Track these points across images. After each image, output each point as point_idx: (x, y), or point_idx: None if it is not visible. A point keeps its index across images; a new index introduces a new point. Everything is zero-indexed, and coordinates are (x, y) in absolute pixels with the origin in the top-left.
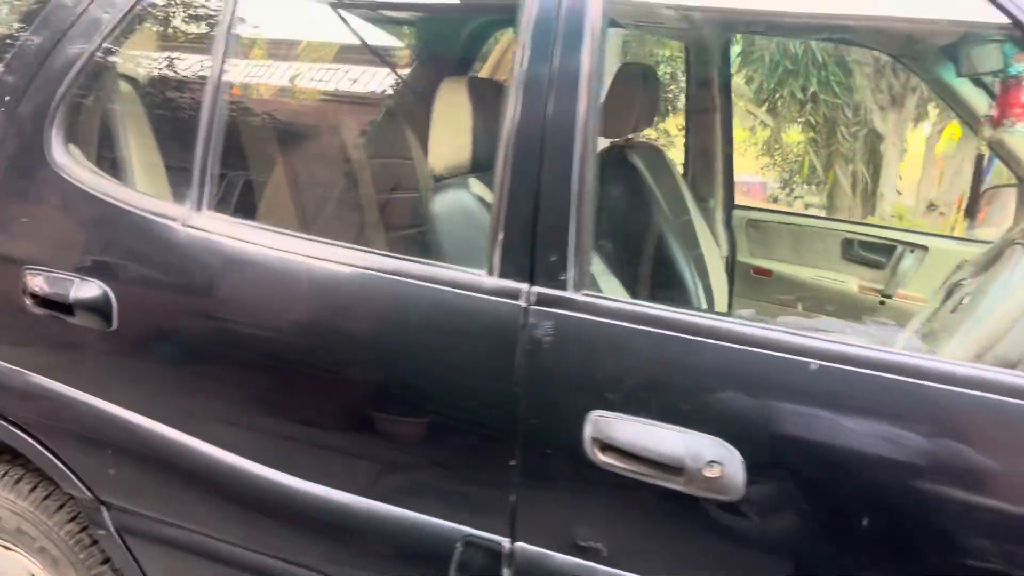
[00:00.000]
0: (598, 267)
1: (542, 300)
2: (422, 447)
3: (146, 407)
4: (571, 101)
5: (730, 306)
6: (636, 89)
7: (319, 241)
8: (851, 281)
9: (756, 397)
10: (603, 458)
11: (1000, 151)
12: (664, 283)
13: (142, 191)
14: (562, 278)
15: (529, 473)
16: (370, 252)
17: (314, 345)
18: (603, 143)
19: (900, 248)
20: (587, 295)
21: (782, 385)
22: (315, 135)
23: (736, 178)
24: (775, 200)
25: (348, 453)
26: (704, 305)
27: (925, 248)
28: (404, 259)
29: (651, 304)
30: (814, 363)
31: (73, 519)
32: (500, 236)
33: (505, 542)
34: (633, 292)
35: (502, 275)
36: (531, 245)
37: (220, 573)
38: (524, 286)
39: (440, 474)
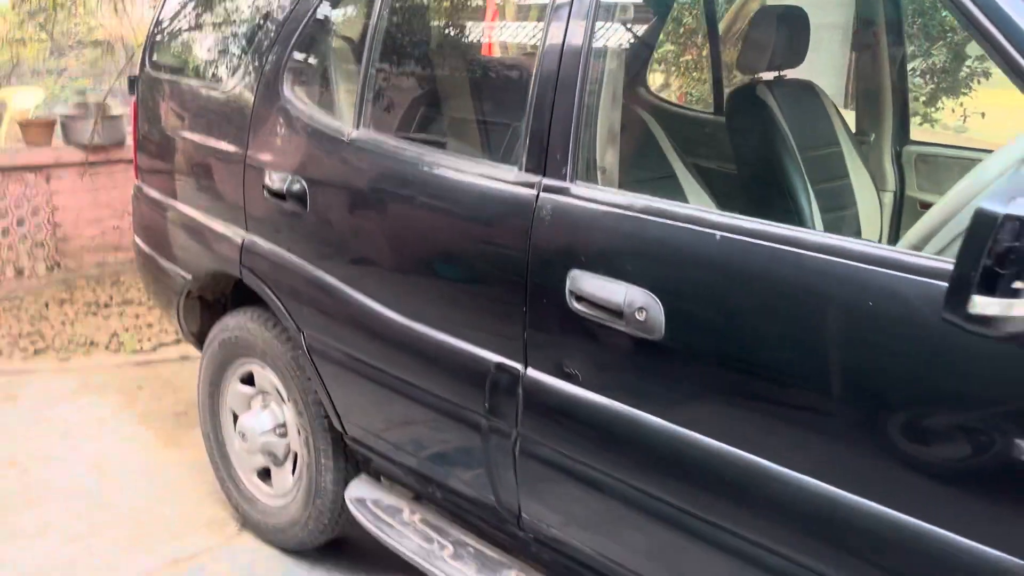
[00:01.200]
0: (692, 187)
1: (548, 188)
2: (472, 297)
3: (330, 269)
4: (578, 36)
5: (896, 237)
6: (771, 30)
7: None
8: None
9: (676, 260)
10: (577, 306)
11: None
12: (773, 204)
13: (333, 118)
14: (563, 171)
15: (534, 316)
16: (454, 155)
17: (422, 228)
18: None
19: None
20: (579, 184)
21: (695, 252)
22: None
23: None
24: None
25: (432, 300)
26: (820, 228)
27: None
28: (460, 157)
29: (615, 191)
30: (718, 234)
31: (287, 343)
32: (527, 141)
33: (520, 368)
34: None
35: (526, 170)
36: (545, 147)
37: (363, 380)
38: (538, 178)
39: (483, 316)
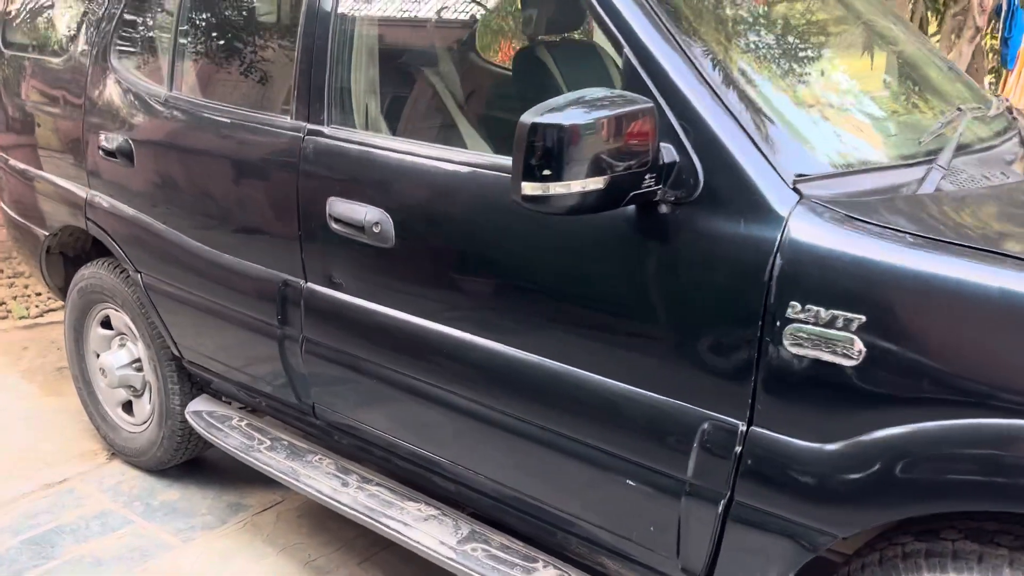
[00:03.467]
0: (470, 132)
1: (311, 132)
2: (261, 227)
3: (155, 215)
4: (328, 2)
5: None
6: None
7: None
8: None
9: (400, 184)
10: (335, 226)
11: None
12: None
13: (153, 81)
14: (321, 117)
15: (305, 238)
16: (245, 109)
17: (221, 173)
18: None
19: None
20: (334, 127)
21: (413, 177)
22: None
23: None
24: None
25: (232, 233)
26: None
27: None
28: (249, 110)
29: (358, 131)
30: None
31: (130, 285)
32: (295, 92)
33: (301, 282)
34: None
35: (296, 118)
36: (308, 97)
37: (188, 308)
38: (304, 124)
39: (270, 242)
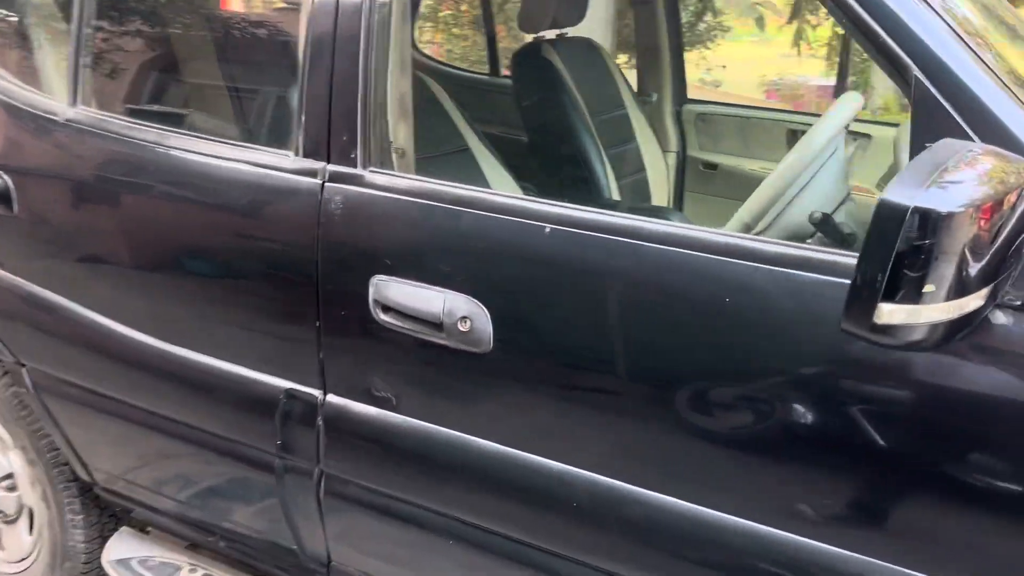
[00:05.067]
0: (484, 155)
1: (335, 177)
2: (245, 314)
3: (52, 284)
4: None
5: (679, 200)
6: None
7: (163, 129)
8: None
9: (500, 259)
10: (384, 317)
11: None
12: (569, 175)
13: (41, 93)
14: (352, 156)
15: (330, 333)
16: (210, 137)
17: (175, 229)
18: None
19: (845, 137)
20: (374, 171)
21: (521, 247)
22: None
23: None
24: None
25: (194, 318)
26: (618, 196)
27: (868, 136)
28: (218, 141)
29: (421, 178)
30: (547, 227)
31: (7, 378)
32: (303, 119)
33: (318, 394)
34: (527, 182)
35: (305, 154)
36: (327, 125)
37: (111, 419)
38: (321, 164)
39: (264, 337)
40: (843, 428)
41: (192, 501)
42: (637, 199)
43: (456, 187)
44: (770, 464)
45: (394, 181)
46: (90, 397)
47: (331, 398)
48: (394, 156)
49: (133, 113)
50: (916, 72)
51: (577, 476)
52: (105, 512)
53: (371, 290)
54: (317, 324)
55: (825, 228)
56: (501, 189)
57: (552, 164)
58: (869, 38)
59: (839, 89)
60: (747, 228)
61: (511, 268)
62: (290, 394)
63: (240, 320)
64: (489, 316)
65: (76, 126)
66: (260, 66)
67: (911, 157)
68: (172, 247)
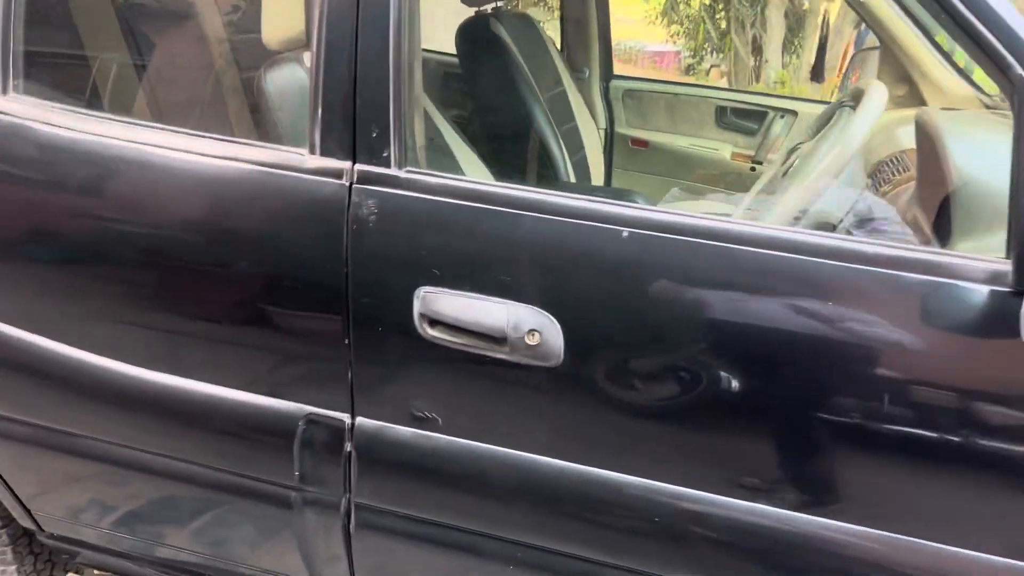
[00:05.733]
0: (456, 142)
1: (365, 178)
2: (259, 332)
3: None
4: None
5: (608, 178)
6: None
7: (135, 124)
8: (725, 148)
9: (572, 266)
10: (432, 332)
11: (862, 12)
12: (529, 157)
13: None
14: (385, 155)
15: (363, 351)
16: (190, 135)
17: (131, 232)
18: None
19: (771, 114)
20: (411, 172)
21: (596, 254)
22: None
23: (645, 47)
24: (689, 70)
25: (187, 343)
26: (573, 179)
27: (795, 113)
28: (222, 139)
29: (473, 180)
30: (624, 231)
31: None
32: (319, 112)
33: (346, 418)
34: (495, 167)
35: (324, 153)
36: (352, 121)
37: (72, 460)
38: (346, 164)
39: (276, 359)
40: None
41: (178, 541)
42: (581, 179)
43: (512, 188)
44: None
45: (439, 183)
46: (46, 436)
47: (362, 422)
48: (457, 155)
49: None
50: (1020, 71)
51: (661, 491)
52: (41, 560)
53: (416, 303)
54: (346, 342)
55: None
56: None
57: (511, 147)
58: (972, 38)
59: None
60: (794, 222)
61: (584, 276)
62: (311, 420)
63: (244, 341)
64: (560, 328)
65: (9, 118)
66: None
67: (1017, 157)
68: (155, 261)
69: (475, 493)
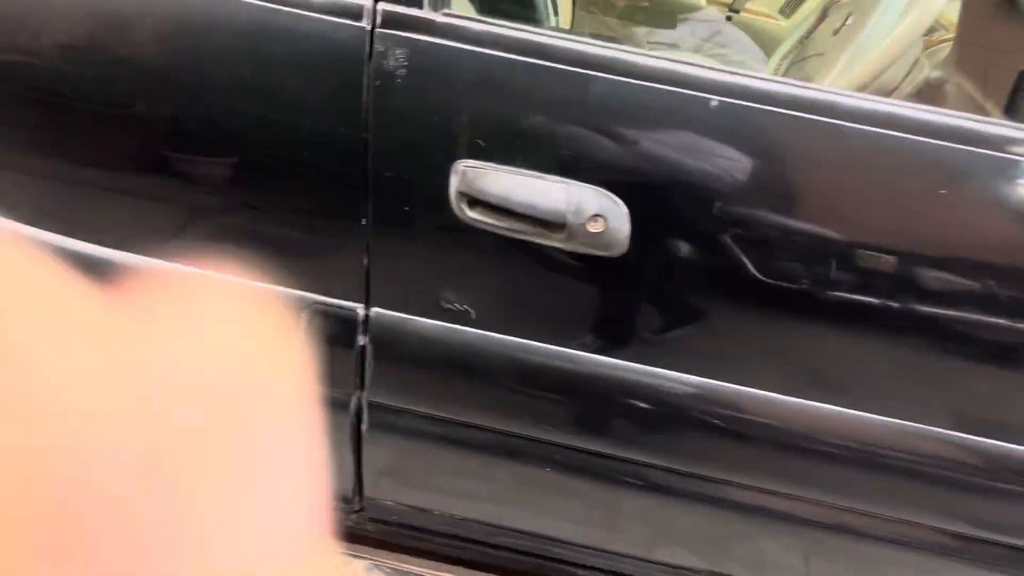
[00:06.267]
0: None
1: (391, 21)
2: (240, 201)
3: None
4: None
5: (572, 20)
6: None
7: None
8: None
9: (649, 141)
10: (472, 215)
11: None
12: None
13: None
14: None
15: (384, 233)
16: None
17: (85, 72)
18: None
19: None
20: (449, 15)
21: (679, 125)
22: None
23: None
24: None
25: (148, 212)
26: (552, 20)
27: None
28: None
29: (529, 28)
30: (715, 99)
31: None
32: None
33: (359, 308)
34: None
35: None
36: None
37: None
38: (367, 2)
39: (266, 231)
40: None
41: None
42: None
43: (583, 41)
44: None
45: (487, 30)
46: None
47: (379, 313)
48: None
49: None
50: None
51: (720, 390)
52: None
53: (454, 179)
54: (363, 222)
55: None
56: None
57: None
58: None
59: None
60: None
61: (662, 153)
62: (319, 308)
63: (219, 207)
64: (627, 213)
65: None
66: None
67: None
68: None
69: (511, 390)
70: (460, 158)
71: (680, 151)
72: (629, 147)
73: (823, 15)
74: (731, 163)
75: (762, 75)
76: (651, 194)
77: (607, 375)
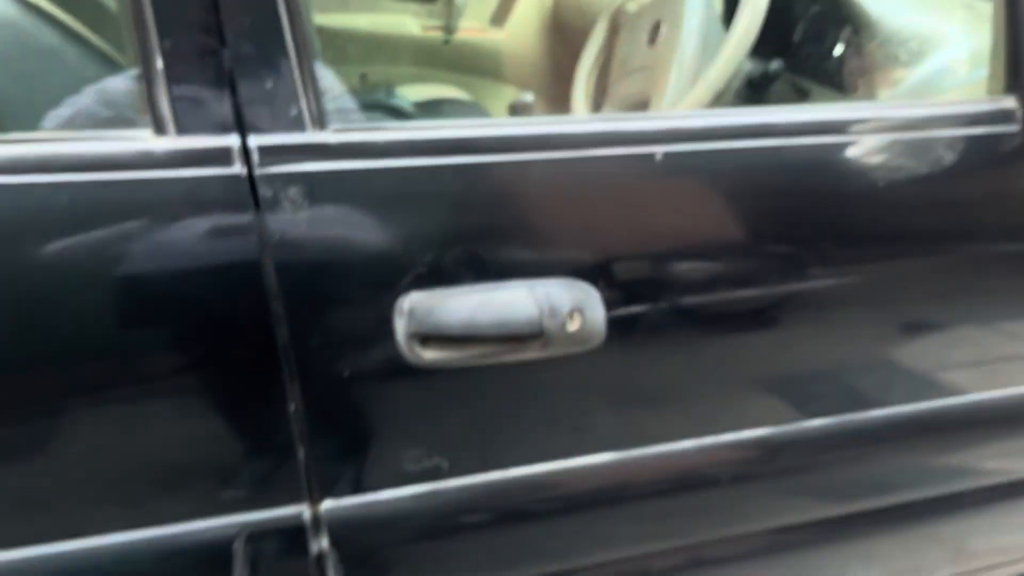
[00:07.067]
0: None
1: (272, 156)
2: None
3: None
4: None
5: None
6: None
7: None
8: (410, 23)
9: (606, 211)
10: (429, 355)
11: None
12: None
13: None
14: (294, 113)
15: (322, 412)
16: None
17: None
18: None
19: None
20: (343, 129)
21: (628, 186)
22: None
23: None
24: None
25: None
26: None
27: None
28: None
29: (448, 123)
30: (658, 151)
31: None
32: (159, 61)
33: (304, 509)
34: None
35: (183, 130)
36: (223, 68)
37: None
38: (232, 140)
39: (183, 460)
40: None
41: None
42: None
43: (500, 126)
44: None
45: (398, 137)
46: None
47: (330, 506)
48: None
49: None
50: None
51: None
52: None
53: (400, 322)
54: (291, 407)
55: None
56: None
57: None
58: None
59: None
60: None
61: (622, 221)
62: (253, 534)
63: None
64: (599, 298)
65: None
66: None
67: None
68: None
69: (505, 530)
70: (402, 295)
71: (640, 213)
72: (587, 223)
73: (614, 26)
74: (690, 214)
75: (675, 114)
76: (622, 269)
77: (606, 472)
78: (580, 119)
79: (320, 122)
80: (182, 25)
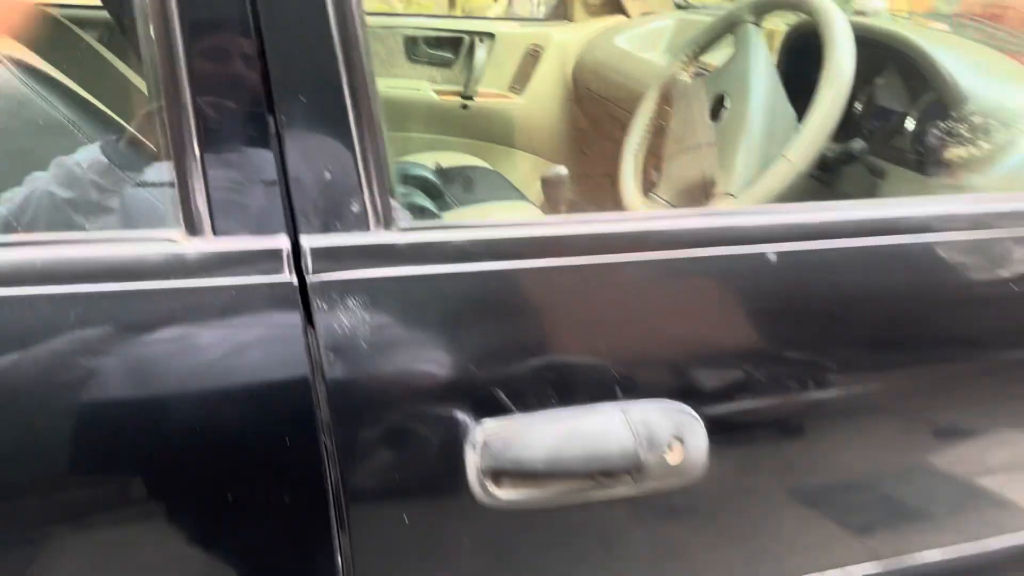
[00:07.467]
0: None
1: (326, 260)
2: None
3: None
4: None
5: None
6: None
7: None
8: (426, 87)
9: (711, 319)
10: (504, 495)
11: None
12: None
13: None
14: (355, 210)
15: (372, 569)
16: None
17: None
18: None
19: (466, 40)
20: (410, 229)
21: (742, 293)
22: None
23: None
24: None
25: None
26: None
27: (492, 35)
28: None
29: (524, 220)
30: (771, 252)
31: None
32: (195, 145)
33: None
34: None
35: (221, 230)
36: (283, 163)
37: None
38: (283, 242)
39: None
40: None
41: None
42: None
43: (593, 220)
44: None
45: (473, 236)
46: None
47: None
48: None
49: None
50: None
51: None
52: None
53: (471, 457)
54: (339, 561)
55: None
56: None
57: None
58: None
59: None
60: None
61: (727, 331)
62: None
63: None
64: (702, 424)
65: None
66: None
67: None
68: None
69: None
70: (474, 425)
71: (751, 322)
72: (689, 334)
73: (666, 98)
74: (809, 324)
75: (775, 208)
76: (727, 387)
77: None
78: (681, 213)
79: (386, 220)
80: (223, 104)
